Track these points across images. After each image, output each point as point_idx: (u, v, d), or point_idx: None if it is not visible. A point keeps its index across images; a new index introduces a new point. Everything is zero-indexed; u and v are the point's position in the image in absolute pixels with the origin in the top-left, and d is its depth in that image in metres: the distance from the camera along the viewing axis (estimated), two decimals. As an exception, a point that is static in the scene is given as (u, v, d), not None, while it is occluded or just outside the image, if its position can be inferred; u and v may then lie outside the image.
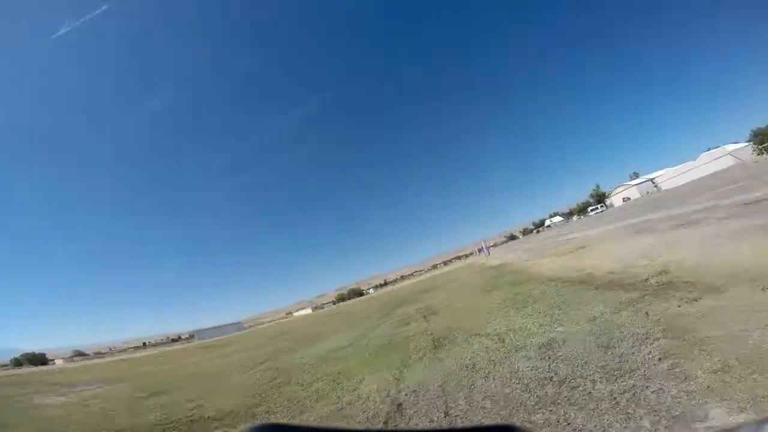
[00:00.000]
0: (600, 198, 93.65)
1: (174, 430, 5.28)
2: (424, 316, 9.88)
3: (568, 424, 2.42)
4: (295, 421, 3.38)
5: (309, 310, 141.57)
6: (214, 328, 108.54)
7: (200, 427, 5.11)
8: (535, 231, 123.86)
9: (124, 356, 62.26)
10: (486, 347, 4.86)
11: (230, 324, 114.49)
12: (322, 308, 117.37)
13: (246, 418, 5.01)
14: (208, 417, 5.51)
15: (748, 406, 2.00)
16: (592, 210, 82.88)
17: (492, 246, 67.27)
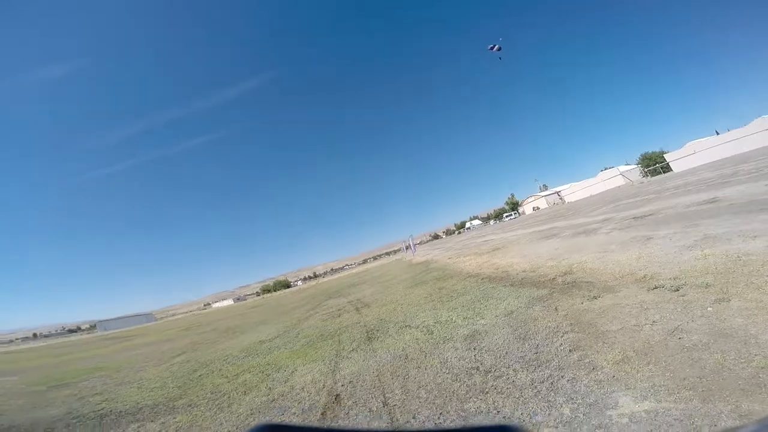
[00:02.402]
0: (514, 206, 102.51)
1: (81, 425, 4.61)
2: (357, 309, 9.86)
3: (498, 411, 2.58)
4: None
5: (230, 302, 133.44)
6: (120, 318, 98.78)
7: (112, 422, 4.52)
8: (457, 232, 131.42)
9: (10, 348, 53.28)
10: (416, 338, 5.00)
11: (139, 314, 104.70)
12: (245, 300, 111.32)
13: (166, 411, 4.54)
14: (122, 411, 4.92)
15: (649, 394, 2.30)
16: (507, 216, 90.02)
17: (418, 244, 69.83)
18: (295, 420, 3.34)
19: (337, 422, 3.08)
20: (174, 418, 4.23)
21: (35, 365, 14.81)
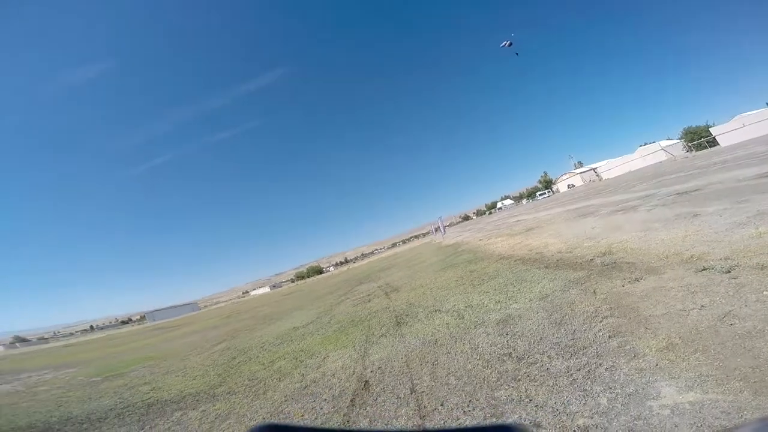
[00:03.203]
0: (547, 184, 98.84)
1: (130, 414, 4.94)
2: (386, 293, 9.93)
3: (530, 400, 2.50)
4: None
5: (267, 289, 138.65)
6: (168, 309, 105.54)
7: (158, 411, 4.82)
8: (487, 212, 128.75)
9: (71, 340, 58.47)
10: (446, 323, 4.96)
11: (185, 304, 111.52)
12: (281, 287, 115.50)
13: (207, 399, 4.78)
14: (167, 400, 5.23)
15: (695, 384, 2.14)
16: (540, 195, 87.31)
17: (448, 226, 69.09)
18: (326, 407, 3.41)
19: (365, 409, 3.11)
20: (214, 405, 4.43)
21: (92, 357, 15.98)
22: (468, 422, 2.47)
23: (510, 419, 2.35)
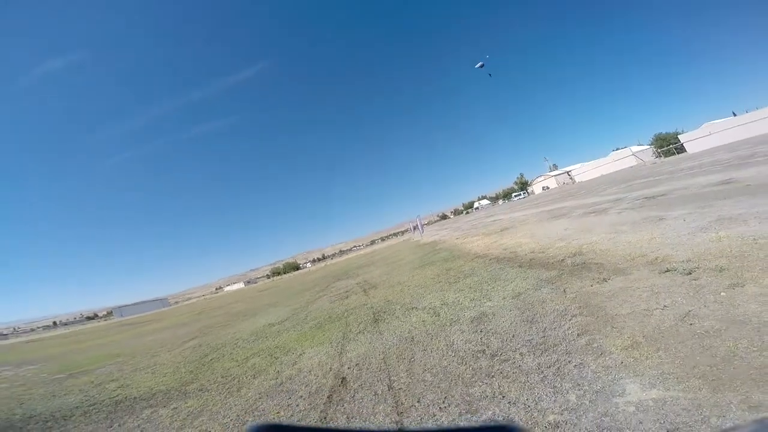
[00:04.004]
0: (523, 185, 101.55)
1: (97, 412, 4.76)
2: (364, 290, 9.95)
3: (504, 396, 2.57)
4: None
5: (241, 285, 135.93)
6: (136, 304, 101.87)
7: (126, 408, 4.67)
8: (464, 212, 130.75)
9: (32, 336, 55.61)
10: (423, 321, 5.02)
11: (154, 300, 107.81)
12: (256, 283, 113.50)
13: (178, 396, 4.65)
14: (135, 397, 5.07)
15: (658, 382, 2.26)
16: (515, 196, 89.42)
17: (426, 224, 69.69)
18: (302, 404, 3.40)
19: (343, 406, 3.12)
20: (185, 402, 4.34)
21: (55, 353, 15.30)
22: (456, 421, 2.50)
23: (485, 416, 2.41)
